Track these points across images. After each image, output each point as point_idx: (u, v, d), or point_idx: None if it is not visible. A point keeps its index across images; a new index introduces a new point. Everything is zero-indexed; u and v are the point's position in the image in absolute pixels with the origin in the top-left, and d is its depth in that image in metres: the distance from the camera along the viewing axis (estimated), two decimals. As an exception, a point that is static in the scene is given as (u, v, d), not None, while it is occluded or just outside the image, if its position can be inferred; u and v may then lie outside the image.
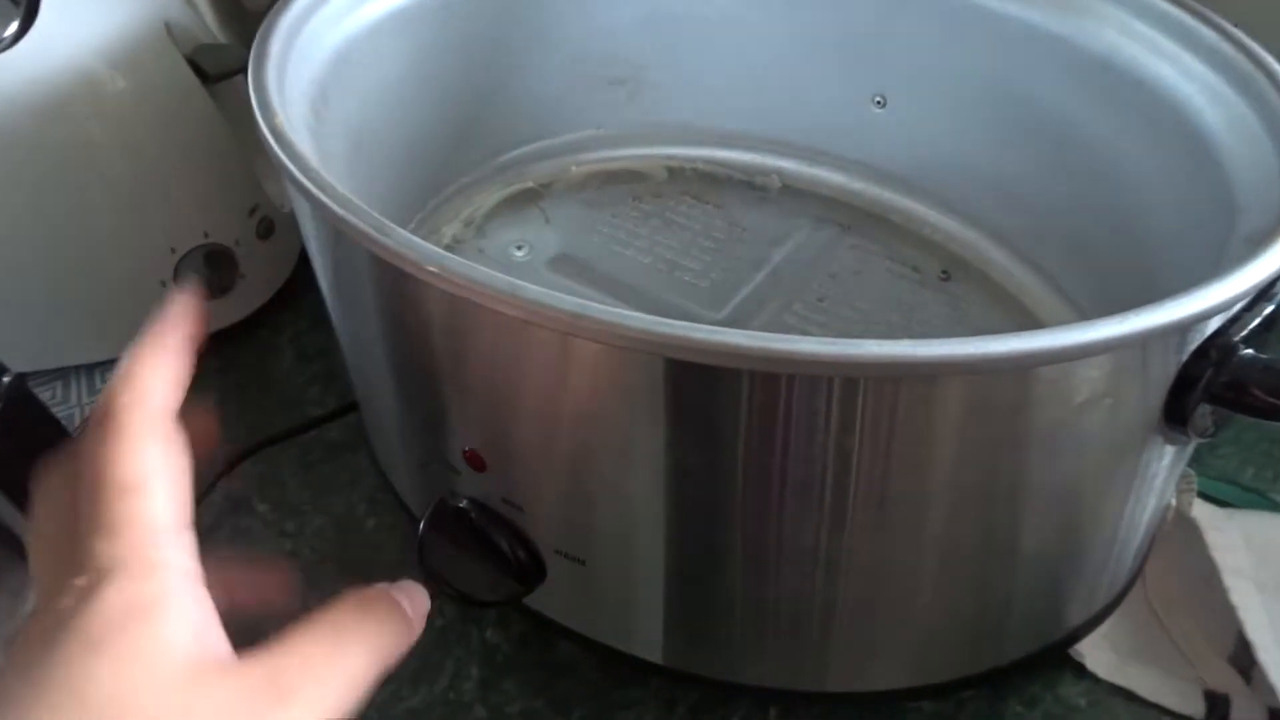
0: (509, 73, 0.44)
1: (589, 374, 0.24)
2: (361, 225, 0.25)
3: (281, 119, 0.29)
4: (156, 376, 0.23)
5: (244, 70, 0.31)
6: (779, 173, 0.46)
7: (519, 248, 0.44)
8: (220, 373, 0.47)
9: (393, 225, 0.25)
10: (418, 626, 0.24)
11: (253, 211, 0.46)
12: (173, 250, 0.44)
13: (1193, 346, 0.24)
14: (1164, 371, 0.24)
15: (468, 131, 0.44)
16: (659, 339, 0.22)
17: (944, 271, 0.41)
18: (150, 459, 0.22)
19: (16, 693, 0.19)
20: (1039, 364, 0.22)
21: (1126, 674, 0.34)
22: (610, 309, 0.22)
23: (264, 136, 0.29)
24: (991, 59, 0.38)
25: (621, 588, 0.30)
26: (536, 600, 0.32)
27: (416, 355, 0.27)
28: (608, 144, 0.47)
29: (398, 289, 0.26)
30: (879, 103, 0.43)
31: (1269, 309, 0.24)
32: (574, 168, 0.47)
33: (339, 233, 0.27)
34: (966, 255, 0.42)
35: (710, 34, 0.44)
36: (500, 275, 0.23)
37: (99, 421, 0.22)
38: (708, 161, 0.47)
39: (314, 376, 0.46)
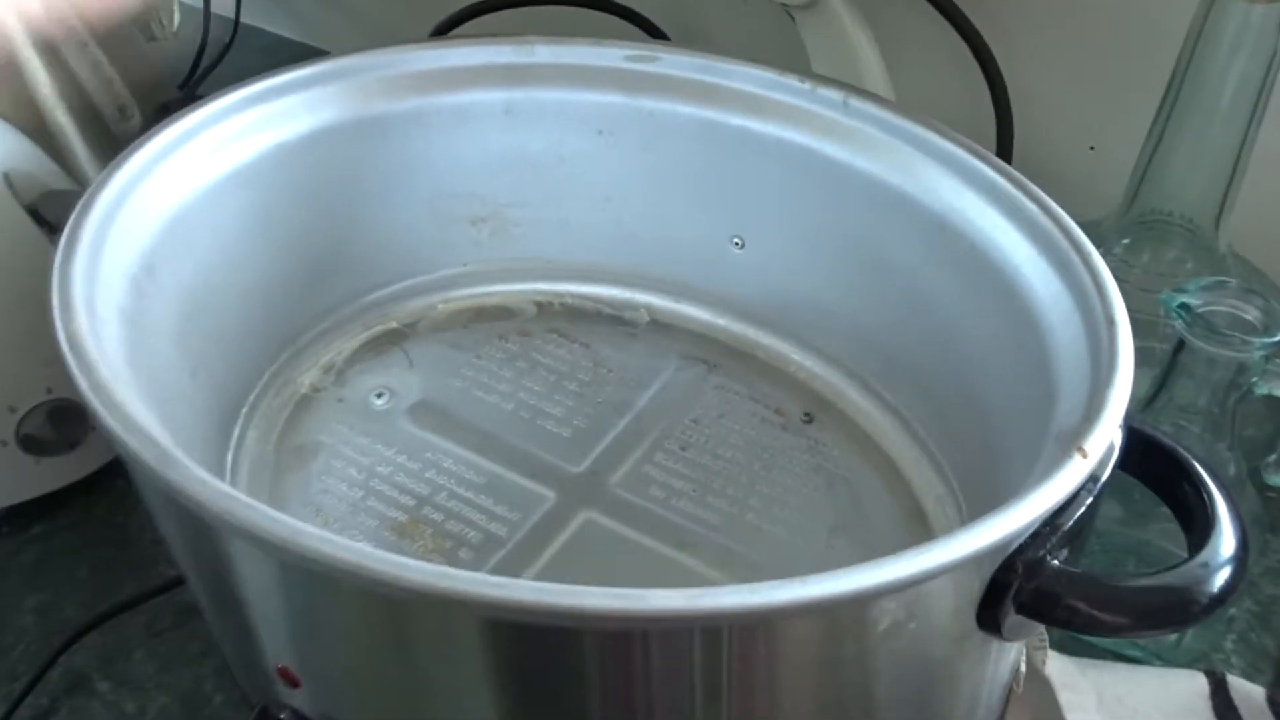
0: (363, 217, 0.43)
1: (393, 623, 0.23)
2: (145, 457, 0.24)
3: (81, 323, 0.28)
4: None
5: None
6: (647, 307, 0.46)
7: (379, 395, 0.42)
8: (71, 529, 0.45)
9: (181, 459, 0.24)
10: None
11: (103, 360, 0.44)
12: (12, 410, 0.42)
13: (1000, 561, 0.24)
14: (972, 588, 0.24)
15: (323, 278, 0.43)
16: (447, 594, 0.21)
17: (806, 414, 0.41)
18: None
19: None
20: (822, 612, 0.22)
21: (987, 839, 0.34)
22: (393, 558, 0.21)
23: (59, 343, 0.28)
24: (840, 208, 0.39)
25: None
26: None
27: (215, 579, 0.26)
28: (474, 281, 0.46)
29: (190, 519, 0.25)
30: (737, 244, 0.43)
31: (1075, 518, 0.24)
32: (440, 305, 0.46)
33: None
34: (828, 395, 0.42)
35: (567, 171, 0.44)
36: (291, 522, 0.22)
37: None
38: (575, 296, 0.46)
39: (170, 530, 0.45)
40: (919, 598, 0.23)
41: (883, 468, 0.39)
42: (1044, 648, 0.35)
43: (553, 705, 0.24)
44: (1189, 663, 0.37)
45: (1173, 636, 0.37)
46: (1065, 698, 0.34)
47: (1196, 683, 0.35)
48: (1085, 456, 0.24)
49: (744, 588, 0.21)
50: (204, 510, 0.22)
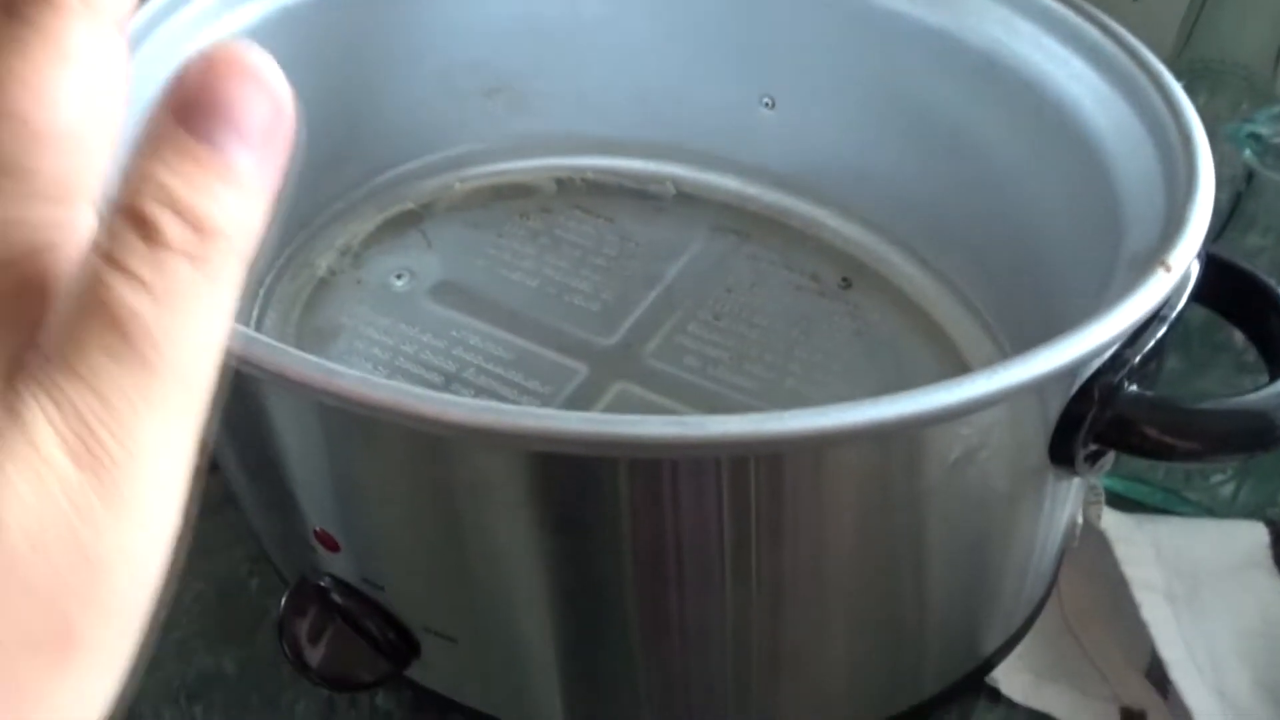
0: (374, 89, 0.41)
1: (432, 462, 0.22)
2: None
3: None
4: None
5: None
6: (673, 179, 0.44)
7: (399, 276, 0.41)
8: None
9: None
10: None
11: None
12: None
13: (1075, 388, 0.23)
14: (1045, 416, 0.23)
15: (333, 157, 0.41)
16: (504, 429, 0.20)
17: (844, 279, 0.40)
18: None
19: None
20: (897, 431, 0.20)
21: (1042, 696, 0.33)
22: (436, 395, 0.20)
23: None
24: (875, 56, 0.36)
25: (506, 664, 0.28)
26: (421, 675, 0.30)
27: (251, 444, 0.25)
28: (492, 157, 0.44)
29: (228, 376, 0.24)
30: (767, 104, 0.40)
31: (1152, 343, 0.23)
32: (457, 184, 0.44)
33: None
34: (866, 260, 0.40)
35: (585, 37, 0.41)
36: (325, 364, 0.21)
37: None
38: (598, 170, 0.44)
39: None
40: (993, 425, 0.22)
41: (926, 330, 0.38)
42: (1099, 502, 0.34)
43: (601, 547, 0.23)
44: (1245, 515, 0.36)
45: (1229, 490, 0.36)
46: (1122, 550, 0.33)
47: (1256, 533, 0.34)
48: (1169, 270, 0.22)
49: (809, 410, 0.19)
50: (243, 360, 0.21)
